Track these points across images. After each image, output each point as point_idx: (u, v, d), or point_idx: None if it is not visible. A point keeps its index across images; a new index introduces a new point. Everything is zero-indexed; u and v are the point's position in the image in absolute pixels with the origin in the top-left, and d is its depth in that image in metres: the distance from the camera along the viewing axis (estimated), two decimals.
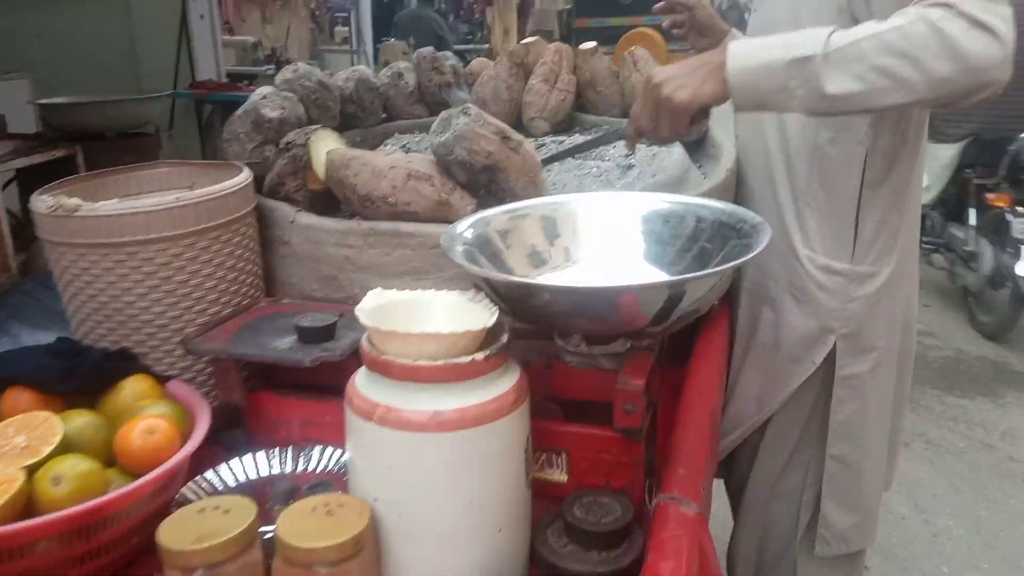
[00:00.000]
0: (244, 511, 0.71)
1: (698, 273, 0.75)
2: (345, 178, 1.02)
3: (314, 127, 1.11)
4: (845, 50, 0.89)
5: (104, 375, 0.95)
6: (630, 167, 1.30)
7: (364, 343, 0.73)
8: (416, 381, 0.70)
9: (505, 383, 0.73)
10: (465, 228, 0.89)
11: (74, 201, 0.96)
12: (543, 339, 0.89)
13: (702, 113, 1.02)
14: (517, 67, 1.58)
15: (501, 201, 1.02)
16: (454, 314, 0.78)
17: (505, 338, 0.74)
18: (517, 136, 1.02)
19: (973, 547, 2.15)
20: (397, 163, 1.01)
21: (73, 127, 3.60)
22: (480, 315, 0.76)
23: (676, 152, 1.27)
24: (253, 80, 5.52)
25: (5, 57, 4.27)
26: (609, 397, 0.86)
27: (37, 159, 3.38)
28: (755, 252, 0.73)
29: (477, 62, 1.75)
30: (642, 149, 1.37)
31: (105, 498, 0.76)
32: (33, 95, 4.00)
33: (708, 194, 1.10)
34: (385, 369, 0.71)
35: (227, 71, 5.84)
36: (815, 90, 0.91)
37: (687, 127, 1.02)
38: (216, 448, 0.96)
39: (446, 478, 0.70)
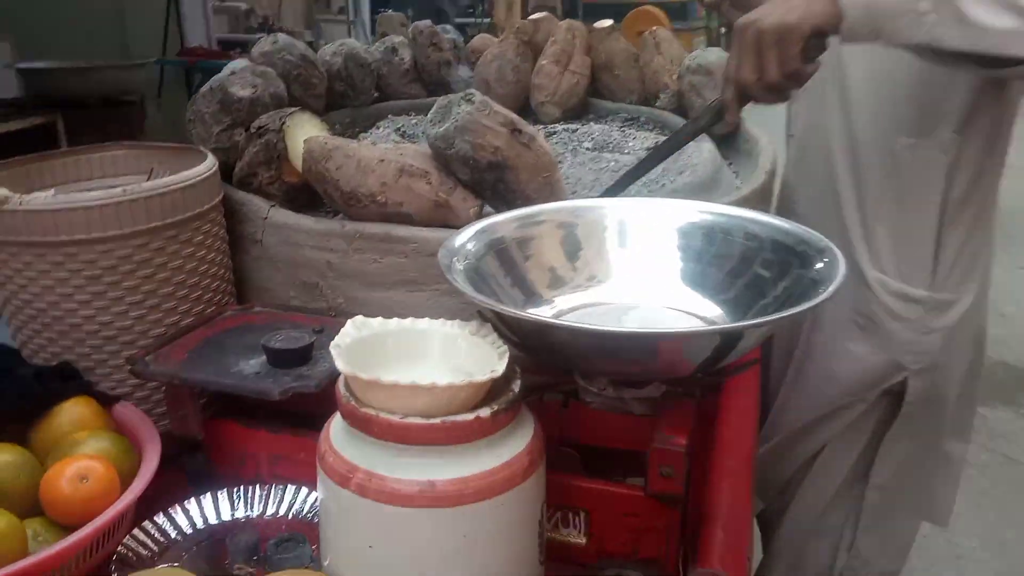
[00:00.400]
0: None
1: (757, 320, 0.60)
2: (326, 171, 0.86)
3: (290, 110, 0.96)
4: None
5: (36, 398, 0.80)
6: None
7: (341, 389, 0.59)
8: (404, 443, 0.55)
9: (516, 443, 0.58)
10: (467, 240, 0.74)
11: (2, 192, 0.80)
12: (558, 371, 0.75)
13: (816, 44, 0.81)
14: (524, 45, 1.43)
15: (510, 204, 0.87)
16: (454, 352, 0.64)
17: (517, 387, 0.59)
18: (529, 129, 0.87)
19: (999, 571, 2.03)
20: (387, 156, 0.86)
21: (55, 93, 3.44)
22: (485, 355, 0.62)
23: (706, 148, 1.12)
24: (245, 48, 5.32)
25: None
26: (637, 445, 0.72)
27: (14, 126, 3.22)
28: (829, 292, 0.58)
29: (480, 39, 1.59)
30: None
31: (23, 563, 0.62)
32: (14, 58, 3.81)
33: (746, 200, 0.96)
34: (365, 426, 0.56)
35: (218, 38, 5.65)
36: (953, 14, 0.73)
37: (800, 62, 0.81)
38: (174, 474, 0.82)
39: (440, 563, 0.56)
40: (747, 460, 0.78)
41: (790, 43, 0.79)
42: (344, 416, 0.58)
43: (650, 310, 0.75)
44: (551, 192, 0.88)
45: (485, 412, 0.56)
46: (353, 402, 0.57)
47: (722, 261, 0.73)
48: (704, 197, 0.95)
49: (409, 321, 0.65)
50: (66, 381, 0.84)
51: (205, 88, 1.00)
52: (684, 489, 0.63)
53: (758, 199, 0.99)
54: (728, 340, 0.57)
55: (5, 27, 4.01)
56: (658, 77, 1.35)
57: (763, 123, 1.22)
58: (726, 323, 0.68)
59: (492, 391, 0.59)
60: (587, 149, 1.25)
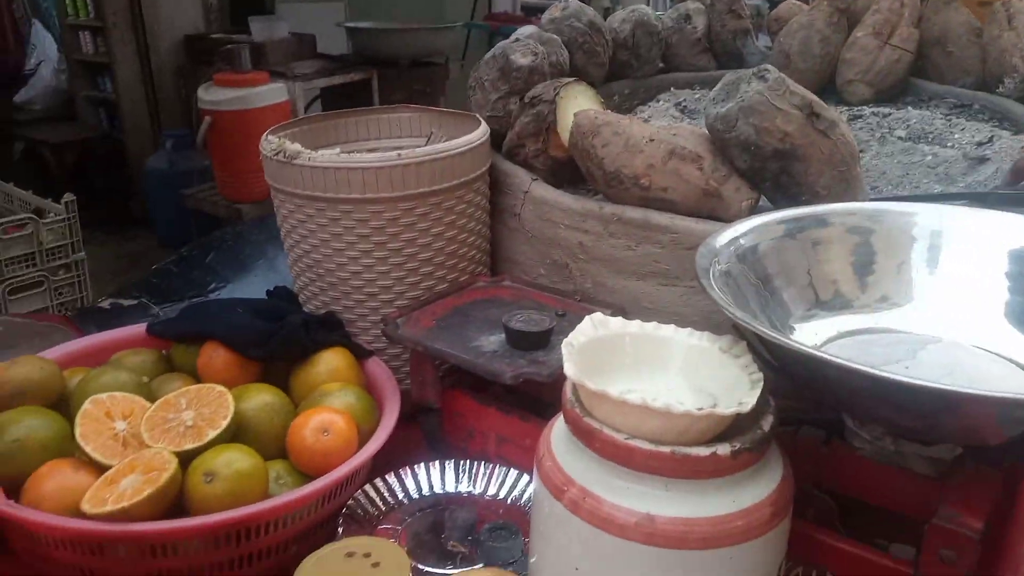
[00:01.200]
0: (395, 569, 0.57)
1: None
2: (591, 148, 0.81)
3: (565, 80, 0.91)
4: None
5: (300, 344, 0.86)
6: (984, 160, 0.95)
7: (567, 392, 0.54)
8: (627, 467, 0.49)
9: (759, 489, 0.50)
10: (733, 238, 0.65)
11: (295, 147, 0.86)
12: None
13: None
14: (839, 14, 1.25)
15: (792, 200, 0.76)
16: (698, 367, 0.56)
17: (768, 424, 0.50)
18: (830, 113, 0.74)
19: None
20: (658, 136, 0.79)
21: (373, 52, 3.77)
22: (734, 379, 0.53)
23: None
24: None
25: None
26: (913, 510, 0.59)
27: (337, 80, 3.61)
28: None
29: (786, 6, 1.43)
30: (1004, 136, 1.01)
31: (260, 506, 0.66)
32: (346, 18, 4.24)
33: None
34: (587, 438, 0.51)
35: (523, 3, 5.85)
36: None
37: None
38: (410, 429, 0.84)
39: None
40: None
41: None
42: (567, 422, 0.53)
43: (955, 347, 0.60)
44: (846, 189, 0.75)
45: (724, 449, 0.48)
46: (578, 409, 0.52)
47: None
48: None
49: (652, 326, 0.58)
50: (330, 331, 0.90)
51: (488, 55, 0.99)
52: None
53: None
54: None
55: None
56: (1005, 57, 1.12)
57: None
58: None
59: (737, 422, 0.50)
60: (899, 138, 1.07)
